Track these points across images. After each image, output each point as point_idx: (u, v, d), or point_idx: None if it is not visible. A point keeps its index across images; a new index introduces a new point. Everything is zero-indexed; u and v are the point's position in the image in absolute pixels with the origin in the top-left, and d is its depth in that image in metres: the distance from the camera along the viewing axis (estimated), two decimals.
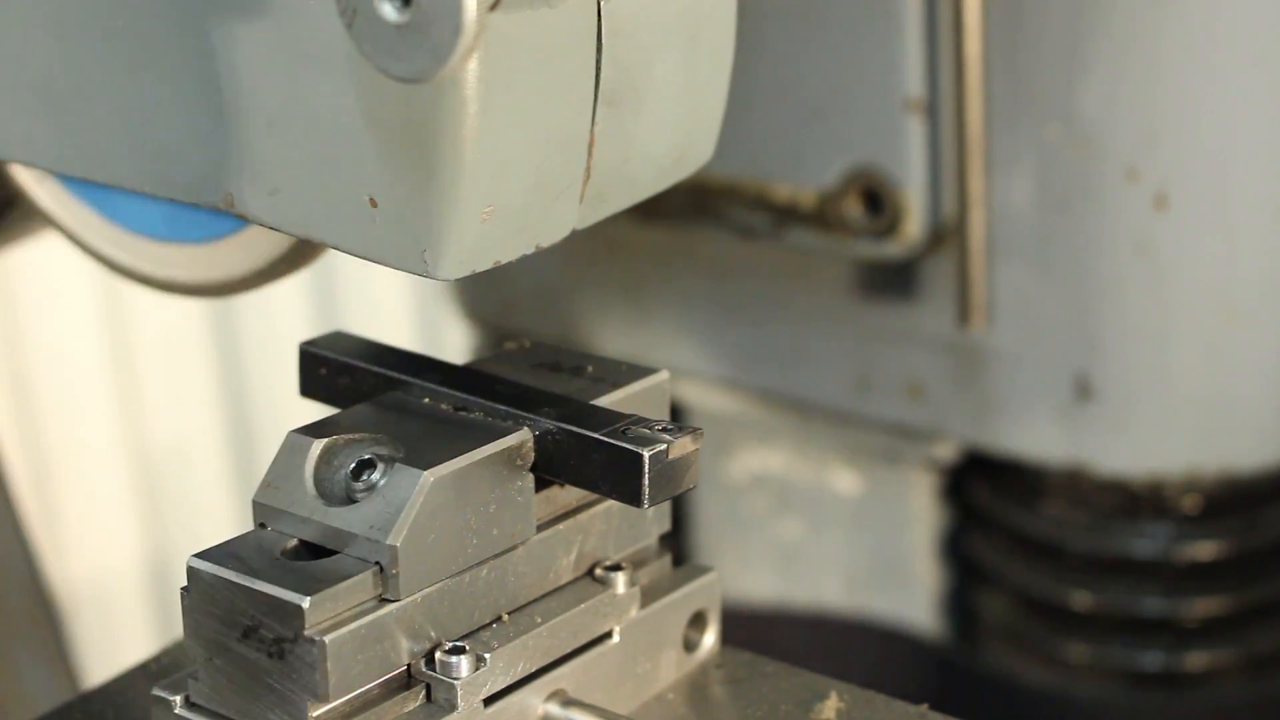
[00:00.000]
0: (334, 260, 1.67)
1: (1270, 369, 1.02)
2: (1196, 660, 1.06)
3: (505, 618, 0.66)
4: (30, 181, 0.80)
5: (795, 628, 1.18)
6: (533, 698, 0.66)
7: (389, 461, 0.64)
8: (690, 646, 0.73)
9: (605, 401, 0.68)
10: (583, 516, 0.69)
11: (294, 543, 0.64)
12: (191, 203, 0.69)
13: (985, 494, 1.10)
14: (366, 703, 0.63)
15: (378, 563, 0.62)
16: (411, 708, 0.64)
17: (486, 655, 0.64)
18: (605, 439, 0.64)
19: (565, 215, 0.66)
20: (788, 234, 1.05)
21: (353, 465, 0.64)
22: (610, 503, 0.70)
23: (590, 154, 0.65)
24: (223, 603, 0.62)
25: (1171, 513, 1.05)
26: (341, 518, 0.63)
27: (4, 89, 0.73)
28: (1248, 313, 1.00)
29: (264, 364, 1.99)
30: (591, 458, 0.65)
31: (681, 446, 0.64)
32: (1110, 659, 1.07)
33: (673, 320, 1.16)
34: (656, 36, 0.66)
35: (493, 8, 0.55)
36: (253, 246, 0.76)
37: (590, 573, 0.70)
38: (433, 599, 0.64)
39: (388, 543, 0.62)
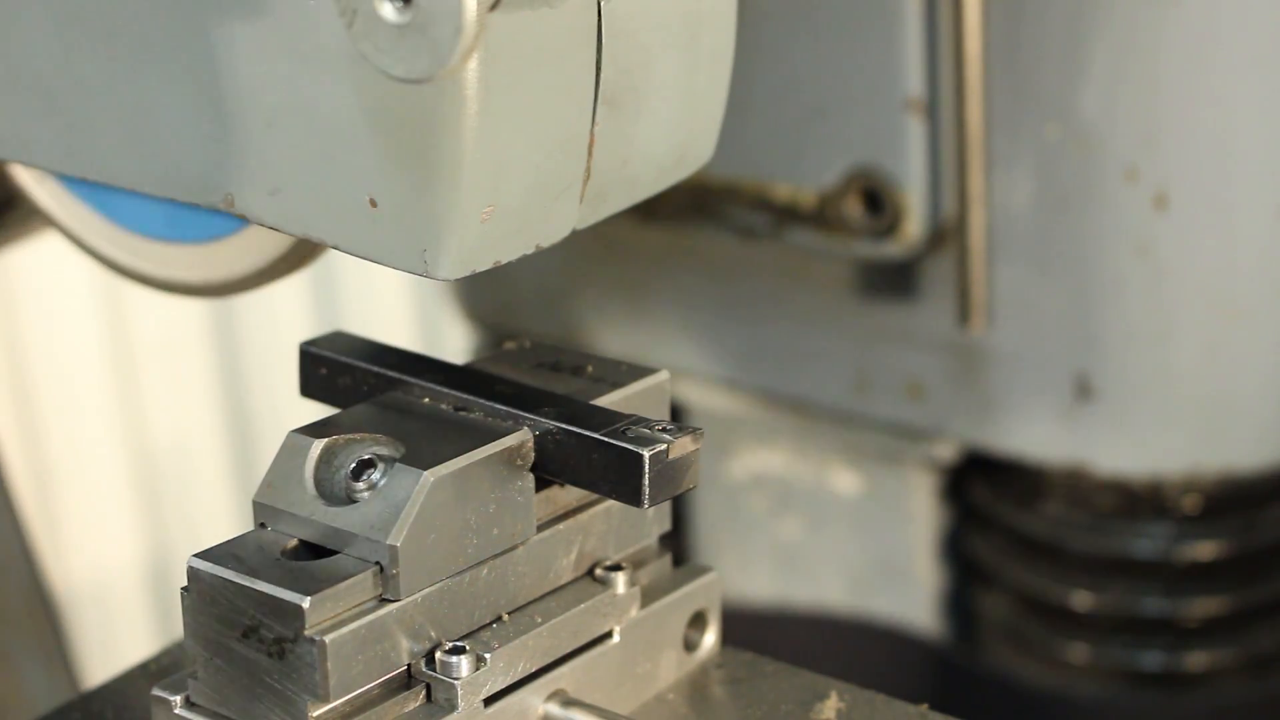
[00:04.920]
0: (334, 260, 1.67)
1: (1270, 369, 1.02)
2: (1196, 660, 1.06)
3: (505, 618, 0.66)
4: (30, 181, 0.80)
5: (795, 628, 1.18)
6: (533, 698, 0.66)
7: (389, 461, 0.64)
8: (690, 646, 0.73)
9: (605, 401, 0.68)
10: (583, 516, 0.69)
11: (294, 543, 0.64)
12: (191, 203, 0.69)
13: (985, 494, 1.10)
14: (366, 703, 0.63)
15: (378, 563, 0.62)
16: (411, 708, 0.64)
17: (486, 655, 0.64)
18: (605, 439, 0.64)
19: (565, 215, 0.66)
20: (788, 234, 1.05)
21: (353, 465, 0.64)
22: (610, 503, 0.70)
23: (590, 154, 0.65)
24: (223, 603, 0.62)
25: (1171, 513, 1.05)
26: (341, 518, 0.63)
27: (4, 89, 0.73)
28: (1248, 313, 1.00)
29: (264, 364, 1.99)
30: (591, 458, 0.65)
31: (681, 446, 0.64)
32: (1110, 659, 1.07)
33: (673, 320, 1.16)
34: (656, 36, 0.66)
35: (493, 8, 0.55)
36: (253, 246, 0.76)
37: (590, 573, 0.70)
38: (433, 599, 0.64)
39: (388, 543, 0.62)
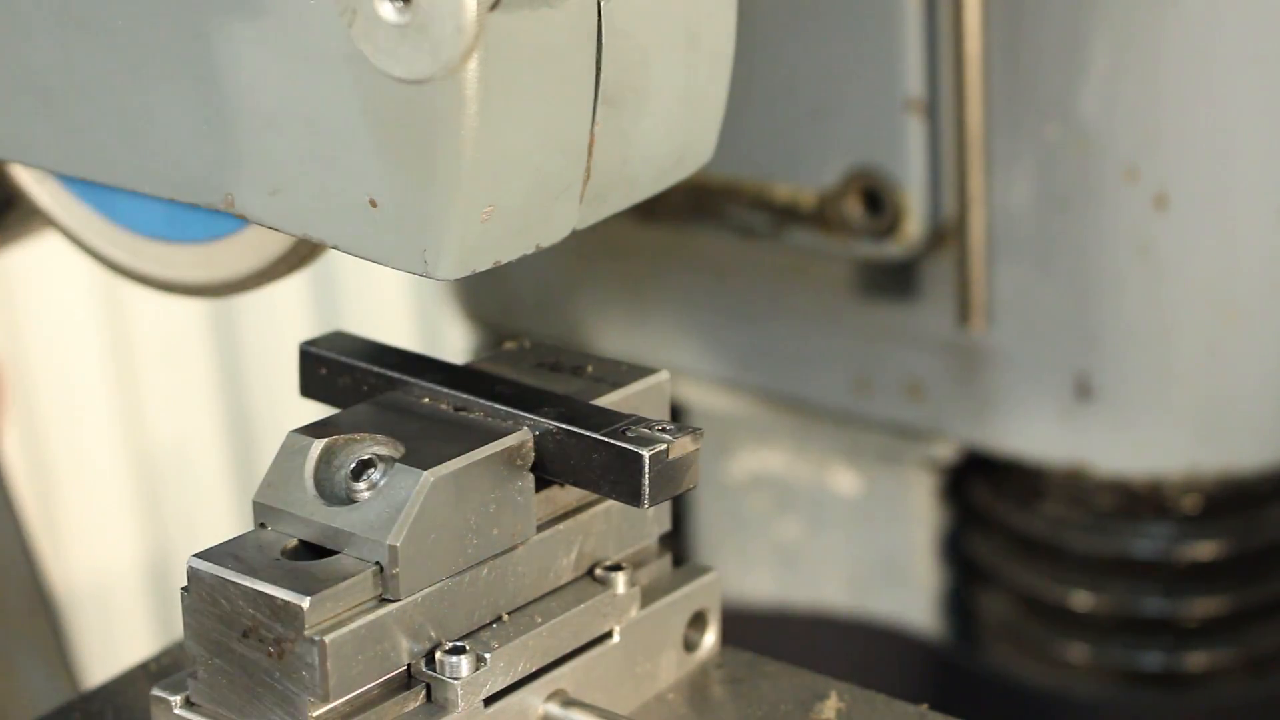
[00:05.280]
0: (334, 260, 1.67)
1: (1270, 369, 1.02)
2: (1196, 660, 1.06)
3: (505, 618, 0.66)
4: (30, 181, 0.80)
5: (795, 628, 1.18)
6: (533, 698, 0.66)
7: (389, 461, 0.64)
8: (690, 646, 0.73)
9: (605, 401, 0.68)
10: (583, 516, 0.69)
11: (294, 543, 0.64)
12: (191, 203, 0.69)
13: (985, 494, 1.10)
14: (366, 703, 0.63)
15: (378, 563, 0.62)
16: (411, 708, 0.64)
17: (486, 655, 0.64)
18: (605, 439, 0.64)
19: (565, 215, 0.66)
20: (788, 234, 1.05)
21: (353, 465, 0.64)
22: (610, 503, 0.70)
23: (590, 154, 0.65)
24: (223, 603, 0.62)
25: (1171, 513, 1.05)
26: (341, 518, 0.63)
27: (4, 89, 0.73)
28: (1248, 313, 1.00)
29: (264, 364, 1.99)
30: (591, 458, 0.65)
31: (681, 446, 0.64)
32: (1110, 659, 1.07)
33: (673, 320, 1.16)
34: (656, 36, 0.66)
35: (493, 8, 0.55)
36: (253, 246, 0.76)
37: (590, 573, 0.70)
38: (433, 599, 0.64)
39: (388, 543, 0.62)
